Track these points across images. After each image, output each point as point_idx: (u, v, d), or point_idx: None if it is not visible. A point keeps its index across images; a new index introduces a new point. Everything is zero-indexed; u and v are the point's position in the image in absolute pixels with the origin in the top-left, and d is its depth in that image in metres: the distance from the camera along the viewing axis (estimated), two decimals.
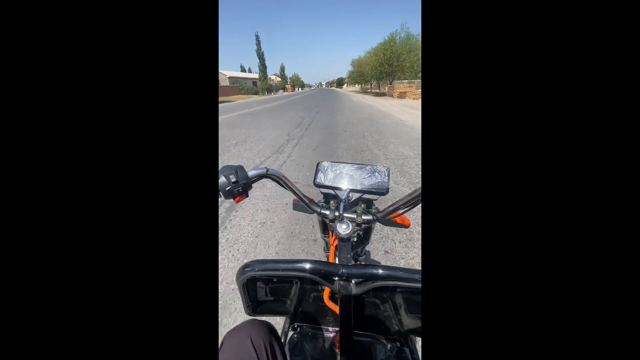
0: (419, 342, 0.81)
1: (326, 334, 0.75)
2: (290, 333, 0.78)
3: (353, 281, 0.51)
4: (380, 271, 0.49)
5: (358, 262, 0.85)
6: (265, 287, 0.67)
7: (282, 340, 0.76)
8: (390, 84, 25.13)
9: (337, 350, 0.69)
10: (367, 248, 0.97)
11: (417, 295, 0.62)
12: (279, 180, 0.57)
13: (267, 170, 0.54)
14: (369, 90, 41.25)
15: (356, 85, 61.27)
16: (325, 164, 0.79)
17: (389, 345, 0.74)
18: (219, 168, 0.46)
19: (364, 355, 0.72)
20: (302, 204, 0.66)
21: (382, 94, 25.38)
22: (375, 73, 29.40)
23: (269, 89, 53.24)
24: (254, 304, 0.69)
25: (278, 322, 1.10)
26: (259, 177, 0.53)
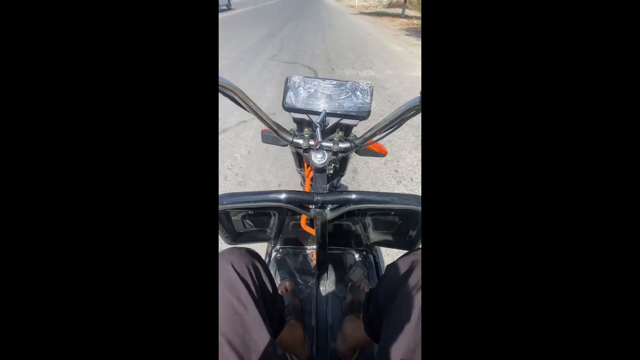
0: (381, 251, 0.96)
1: (305, 252, 0.87)
2: (274, 254, 0.88)
3: (328, 207, 0.52)
4: (354, 196, 0.51)
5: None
6: (243, 219, 0.69)
7: (267, 261, 0.87)
8: None
9: (315, 262, 0.81)
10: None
11: (384, 216, 0.68)
12: (233, 95, 0.44)
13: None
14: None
15: None
16: (296, 79, 0.62)
17: (356, 255, 0.90)
18: None
19: (336, 264, 0.87)
20: (272, 135, 0.60)
21: None
22: None
23: None
24: (232, 235, 0.72)
25: (261, 247, 1.11)
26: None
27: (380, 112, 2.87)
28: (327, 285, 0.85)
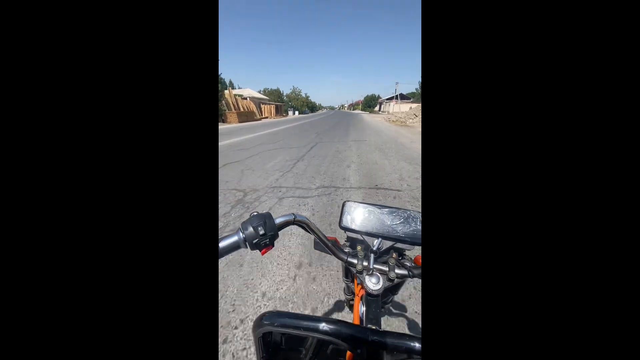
0: None
1: None
2: None
3: (384, 351, 0.44)
4: (417, 345, 0.40)
5: (384, 311, 0.79)
6: (282, 336, 0.61)
7: None
8: None
9: None
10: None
11: None
12: (305, 226, 0.54)
13: (295, 217, 0.51)
14: None
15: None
16: (352, 204, 0.70)
17: None
18: (250, 216, 0.46)
19: None
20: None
21: None
22: None
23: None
24: (267, 356, 0.65)
25: None
26: (286, 224, 0.50)
27: None
28: None
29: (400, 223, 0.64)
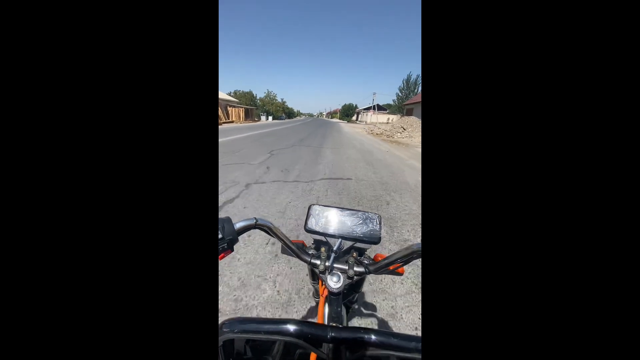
0: None
1: None
2: None
3: (343, 346, 0.45)
4: (374, 337, 0.43)
5: (350, 308, 0.90)
6: (245, 345, 0.55)
7: None
8: None
9: None
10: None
11: None
12: (268, 230, 0.56)
13: (257, 221, 0.52)
14: None
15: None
16: (317, 208, 0.74)
17: None
18: None
19: None
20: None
21: None
22: None
23: None
24: None
25: None
26: (247, 228, 0.50)
27: None
28: None
29: (359, 224, 0.70)
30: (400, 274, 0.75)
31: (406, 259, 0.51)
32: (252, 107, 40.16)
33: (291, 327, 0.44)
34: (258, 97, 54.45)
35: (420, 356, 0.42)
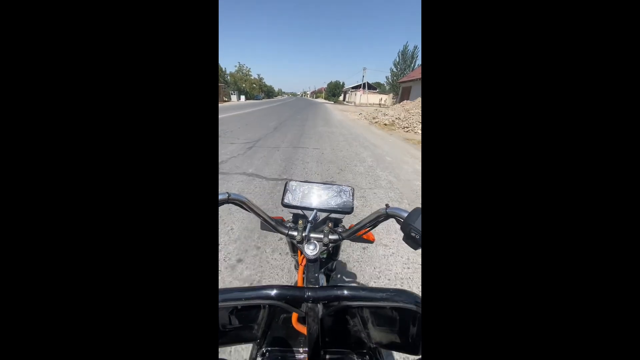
0: (388, 355, 0.76)
1: (297, 355, 0.67)
2: (259, 359, 0.70)
3: (320, 304, 0.50)
4: (346, 292, 0.49)
5: (330, 276, 1.03)
6: (230, 315, 0.58)
7: None
8: None
9: None
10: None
11: (383, 310, 0.56)
12: (243, 204, 0.58)
13: (229, 195, 0.54)
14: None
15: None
16: (294, 183, 0.79)
17: None
18: None
19: None
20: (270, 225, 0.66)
21: None
22: None
23: None
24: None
25: (245, 349, 1.08)
26: (220, 203, 0.52)
27: None
28: None
29: (334, 196, 0.76)
30: (371, 242, 0.82)
31: (374, 222, 0.58)
32: (220, 83, 29.01)
33: (272, 292, 0.48)
34: (228, 72, 40.73)
35: (386, 304, 0.48)
